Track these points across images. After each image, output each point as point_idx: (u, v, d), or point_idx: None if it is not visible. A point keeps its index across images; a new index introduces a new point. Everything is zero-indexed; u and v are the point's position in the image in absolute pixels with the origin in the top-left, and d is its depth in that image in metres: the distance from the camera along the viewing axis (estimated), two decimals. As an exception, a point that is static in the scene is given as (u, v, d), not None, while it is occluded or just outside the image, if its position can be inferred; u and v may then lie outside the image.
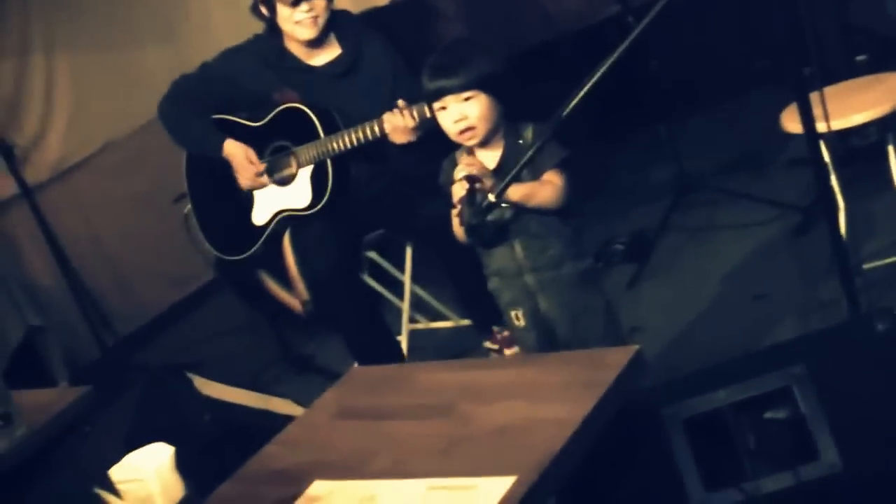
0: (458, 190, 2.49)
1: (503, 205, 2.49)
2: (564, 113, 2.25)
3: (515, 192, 2.46)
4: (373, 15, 4.42)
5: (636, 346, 1.70)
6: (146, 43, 5.35)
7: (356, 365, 3.84)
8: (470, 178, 2.44)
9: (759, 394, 2.02)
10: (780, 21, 2.31)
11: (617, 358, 1.68)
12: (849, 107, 2.94)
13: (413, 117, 3.28)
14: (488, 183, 2.44)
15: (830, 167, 3.02)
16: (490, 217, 2.46)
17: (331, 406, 2.06)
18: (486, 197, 2.39)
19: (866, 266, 3.23)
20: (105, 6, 5.18)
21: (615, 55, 2.23)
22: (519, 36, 3.96)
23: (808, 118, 2.32)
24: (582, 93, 2.22)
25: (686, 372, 2.26)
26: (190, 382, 3.40)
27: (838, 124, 2.84)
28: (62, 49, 5.06)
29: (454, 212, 2.56)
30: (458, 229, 2.62)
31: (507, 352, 3.44)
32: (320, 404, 2.08)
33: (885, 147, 3.12)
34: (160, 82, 5.12)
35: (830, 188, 2.84)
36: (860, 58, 4.68)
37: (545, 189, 2.52)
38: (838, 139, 3.13)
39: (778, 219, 3.87)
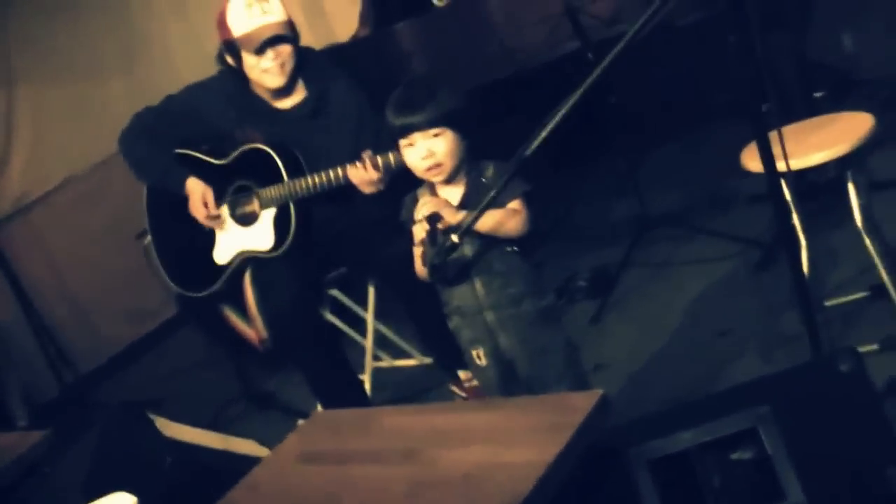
0: (420, 230, 2.49)
1: (465, 241, 2.48)
2: (527, 152, 2.25)
3: (481, 223, 2.44)
4: (335, 51, 4.43)
5: (600, 391, 1.70)
6: (108, 76, 5.33)
7: (319, 408, 3.83)
8: (431, 218, 2.44)
9: (725, 434, 2.02)
10: (738, 58, 2.32)
11: (582, 402, 1.68)
12: (808, 146, 2.96)
13: (378, 169, 3.27)
14: (451, 218, 2.44)
15: (791, 205, 3.05)
16: (452, 256, 2.45)
17: (295, 450, 2.04)
18: (448, 237, 2.38)
19: (828, 303, 3.26)
20: (66, 38, 5.16)
21: (576, 95, 2.24)
22: (479, 71, 3.98)
23: (768, 158, 2.33)
24: (544, 132, 2.22)
25: (651, 410, 2.26)
26: (151, 423, 3.36)
27: (798, 164, 2.87)
28: (23, 82, 5.05)
29: (416, 251, 2.57)
30: (419, 268, 2.62)
31: (476, 403, 3.44)
32: (284, 448, 2.07)
33: (844, 184, 3.15)
34: (121, 116, 5.07)
35: (792, 226, 2.86)
36: (818, 94, 4.75)
37: (511, 219, 2.50)
38: (797, 176, 3.15)
39: (739, 254, 3.89)
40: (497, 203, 2.50)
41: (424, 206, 2.47)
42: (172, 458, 2.78)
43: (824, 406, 2.02)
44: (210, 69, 3.76)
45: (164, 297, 5.01)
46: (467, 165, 2.61)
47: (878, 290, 3.17)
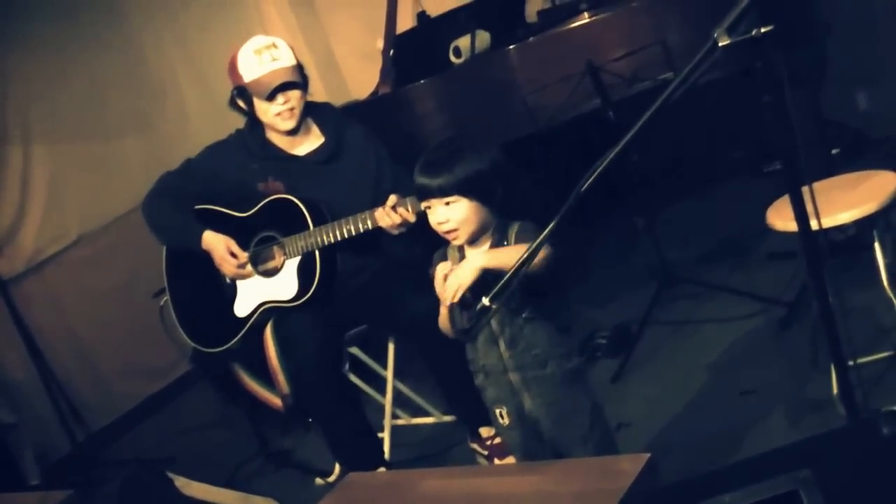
0: (444, 289, 2.46)
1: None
2: (553, 226, 2.24)
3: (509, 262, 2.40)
4: (353, 108, 4.45)
5: (647, 455, 1.67)
6: (123, 134, 5.36)
7: (337, 466, 3.81)
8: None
9: (766, 498, 1.98)
10: (772, 117, 2.31)
11: (629, 466, 1.65)
12: (835, 204, 2.96)
13: (407, 210, 3.28)
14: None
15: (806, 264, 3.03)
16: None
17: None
18: (479, 300, 2.36)
19: (851, 363, 3.23)
20: (83, 97, 5.19)
21: (606, 161, 2.23)
22: (500, 129, 3.98)
23: (802, 216, 2.32)
24: (570, 201, 2.21)
25: (692, 474, 2.22)
26: (170, 482, 3.34)
27: (826, 222, 2.85)
28: (39, 139, 5.06)
29: (442, 309, 2.55)
30: (445, 325, 2.60)
31: (498, 461, 3.41)
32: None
33: (867, 242, 3.14)
34: (136, 174, 5.16)
35: (823, 286, 2.83)
36: (833, 151, 4.77)
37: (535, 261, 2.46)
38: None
39: (760, 313, 3.86)
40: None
41: (450, 288, 2.43)
42: (196, 519, 2.74)
43: (866, 469, 1.99)
44: (225, 124, 3.79)
45: (177, 355, 5.00)
46: (495, 226, 2.59)
47: (904, 351, 3.15)
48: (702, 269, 4.38)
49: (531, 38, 4.13)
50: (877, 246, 3.02)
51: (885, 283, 3.03)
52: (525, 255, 2.30)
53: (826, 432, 2.05)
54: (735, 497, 2.03)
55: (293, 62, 3.53)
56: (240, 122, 3.71)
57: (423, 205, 2.58)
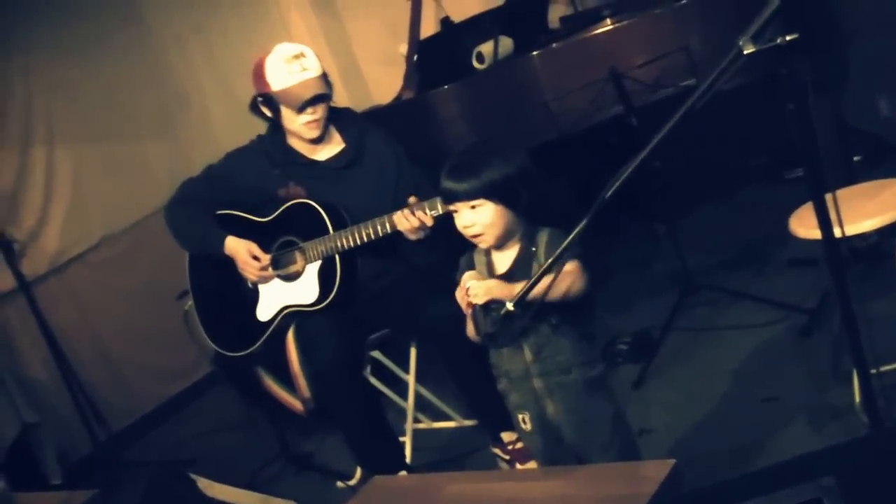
0: (475, 294, 2.48)
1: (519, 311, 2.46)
2: (575, 233, 2.25)
3: (537, 289, 2.42)
4: (376, 113, 4.47)
5: (672, 461, 1.68)
6: (146, 137, 5.40)
7: (358, 470, 3.82)
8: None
9: (789, 506, 1.99)
10: (796, 125, 2.31)
11: (654, 472, 1.66)
12: (859, 212, 2.96)
13: (425, 214, 3.29)
14: (505, 297, 2.42)
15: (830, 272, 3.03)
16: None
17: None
18: (503, 305, 2.38)
19: (873, 371, 3.23)
20: (106, 99, 5.23)
21: (630, 168, 2.24)
22: (523, 134, 3.99)
23: (826, 224, 2.32)
24: (594, 208, 2.23)
25: (715, 480, 2.23)
26: (193, 484, 3.36)
27: (850, 230, 2.86)
28: (62, 141, 5.09)
29: (467, 313, 2.56)
30: (470, 331, 2.62)
31: (520, 466, 3.42)
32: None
33: (889, 250, 3.14)
34: (158, 176, 5.21)
35: (847, 294, 2.83)
36: (856, 158, 4.77)
37: (564, 280, 2.44)
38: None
39: (782, 320, 3.86)
40: (551, 273, 2.50)
41: (478, 292, 2.46)
42: (218, 520, 2.76)
43: (890, 478, 1.99)
44: (246, 128, 3.80)
45: (198, 357, 5.03)
46: (522, 231, 2.61)
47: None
48: (723, 275, 4.37)
49: (556, 45, 4.14)
50: (899, 254, 3.02)
51: (909, 291, 3.03)
52: (547, 265, 2.32)
53: (850, 440, 2.05)
54: (759, 503, 2.04)
55: (321, 72, 3.55)
56: (262, 126, 3.73)
57: (451, 208, 2.60)
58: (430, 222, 3.30)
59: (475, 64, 4.52)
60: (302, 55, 3.52)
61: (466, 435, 3.94)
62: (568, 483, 1.82)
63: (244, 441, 4.70)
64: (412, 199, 3.35)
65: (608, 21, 4.34)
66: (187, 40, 5.61)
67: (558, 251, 2.32)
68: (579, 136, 4.09)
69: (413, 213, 3.29)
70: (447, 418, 4.09)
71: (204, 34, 5.67)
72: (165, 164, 5.32)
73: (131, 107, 5.33)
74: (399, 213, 3.32)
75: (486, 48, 4.54)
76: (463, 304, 2.53)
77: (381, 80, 5.80)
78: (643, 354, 3.97)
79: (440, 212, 3.26)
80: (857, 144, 4.91)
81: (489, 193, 2.52)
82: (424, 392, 4.03)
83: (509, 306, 2.35)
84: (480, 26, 4.63)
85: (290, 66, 3.50)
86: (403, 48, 4.72)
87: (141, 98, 5.37)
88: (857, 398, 3.00)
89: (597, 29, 4.07)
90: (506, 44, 4.59)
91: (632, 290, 4.70)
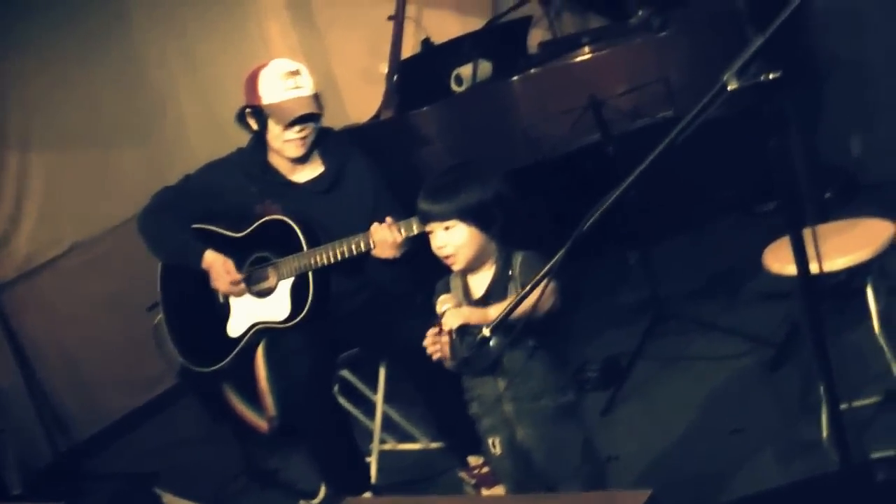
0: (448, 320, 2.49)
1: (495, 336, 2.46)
2: (555, 262, 2.27)
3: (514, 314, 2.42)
4: (357, 130, 4.47)
5: (649, 491, 1.69)
6: (121, 144, 5.36)
7: (323, 488, 3.80)
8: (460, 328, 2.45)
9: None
10: (777, 161, 2.34)
11: (631, 502, 1.66)
12: (831, 250, 2.98)
13: (400, 232, 3.29)
14: (481, 322, 2.43)
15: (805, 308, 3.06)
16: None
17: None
18: (479, 330, 2.39)
19: (844, 406, 3.26)
20: (82, 104, 5.19)
21: (608, 201, 2.27)
22: (500, 158, 4.01)
23: (802, 260, 2.35)
24: (571, 240, 2.24)
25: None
26: (158, 498, 3.34)
27: (824, 267, 2.88)
28: (36, 146, 5.06)
29: (443, 339, 2.56)
30: (446, 356, 2.62)
31: (485, 491, 3.42)
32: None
33: (857, 287, 3.17)
34: (132, 185, 5.18)
35: (820, 330, 2.85)
36: (827, 195, 4.82)
37: (541, 305, 2.42)
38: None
39: (751, 352, 3.89)
40: (523, 285, 2.51)
41: (452, 318, 2.46)
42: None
43: (859, 515, 2.02)
44: (223, 139, 3.79)
45: (164, 369, 4.99)
46: (497, 254, 2.62)
47: (894, 396, 3.18)
48: (693, 305, 4.40)
49: (535, 70, 4.16)
50: (870, 292, 3.05)
51: (877, 329, 3.06)
52: (523, 293, 2.33)
53: (821, 475, 2.06)
54: (729, 537, 2.06)
55: (314, 91, 3.55)
56: (238, 137, 3.72)
57: (426, 229, 2.63)
58: (399, 239, 3.30)
59: (453, 86, 4.54)
60: (298, 73, 3.52)
61: (432, 457, 3.94)
62: (542, 511, 1.82)
63: (208, 455, 4.66)
64: (389, 219, 3.34)
65: (586, 49, 4.39)
66: (166, 49, 5.58)
67: (534, 279, 2.32)
68: (556, 161, 4.11)
69: (388, 227, 3.30)
70: (413, 440, 4.08)
71: (184, 44, 5.65)
72: (139, 173, 5.29)
73: (107, 113, 5.30)
74: (375, 224, 3.32)
75: (465, 71, 4.56)
76: (432, 341, 2.53)
77: (359, 98, 5.78)
78: (612, 382, 3.99)
79: (414, 232, 3.27)
80: (828, 181, 4.97)
81: (463, 215, 2.55)
82: (391, 413, 4.02)
83: (485, 332, 2.36)
84: (461, 49, 4.65)
85: (284, 82, 3.49)
86: (384, 67, 4.73)
87: (117, 106, 5.34)
88: (825, 432, 3.03)
89: (577, 56, 4.10)
90: (485, 67, 4.62)
91: (601, 318, 4.72)
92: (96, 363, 5.20)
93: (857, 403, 3.27)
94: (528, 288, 2.33)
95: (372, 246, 3.35)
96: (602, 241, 5.15)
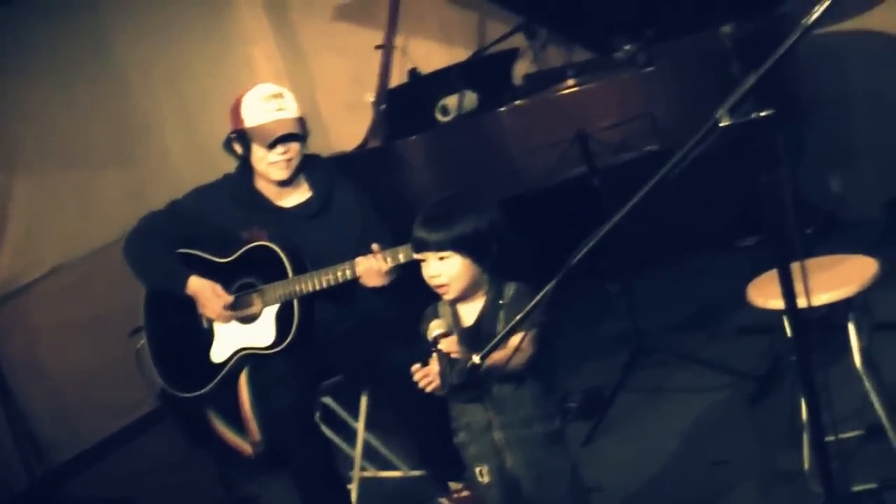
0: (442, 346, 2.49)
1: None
2: (545, 294, 2.29)
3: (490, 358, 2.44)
4: (342, 159, 4.49)
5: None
6: (104, 166, 5.37)
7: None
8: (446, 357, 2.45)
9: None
10: (769, 197, 2.37)
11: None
12: (816, 285, 3.01)
13: (386, 261, 3.31)
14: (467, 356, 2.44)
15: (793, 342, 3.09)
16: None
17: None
18: (469, 358, 2.40)
19: (831, 438, 3.28)
20: (66, 127, 5.20)
21: (597, 236, 2.30)
22: (488, 189, 4.02)
23: (789, 294, 2.38)
24: (560, 275, 2.27)
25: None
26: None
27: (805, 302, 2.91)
28: (20, 167, 5.04)
29: (432, 367, 2.57)
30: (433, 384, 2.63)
31: (465, 516, 3.42)
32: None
33: (837, 323, 3.20)
34: (115, 207, 5.19)
35: (806, 364, 2.88)
36: (808, 231, 4.88)
37: (517, 356, 2.47)
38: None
39: (732, 385, 3.92)
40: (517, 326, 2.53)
41: (444, 344, 2.46)
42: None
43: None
44: (206, 162, 3.79)
45: (142, 393, 4.96)
46: (488, 284, 2.64)
47: (875, 430, 3.21)
48: (673, 338, 4.43)
49: (523, 101, 4.20)
50: (852, 328, 3.08)
51: (859, 364, 3.09)
52: (510, 326, 2.34)
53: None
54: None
55: (297, 114, 3.58)
56: (222, 159, 3.72)
57: (419, 256, 2.64)
58: (385, 268, 3.31)
59: (439, 117, 4.57)
60: (280, 95, 3.55)
61: (412, 485, 3.93)
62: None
63: (184, 482, 4.63)
64: (375, 246, 3.35)
65: (570, 81, 4.43)
66: (151, 73, 5.60)
67: (524, 311, 2.33)
68: (540, 193, 4.14)
69: (375, 256, 3.31)
70: (393, 467, 4.07)
71: (168, 67, 5.67)
72: (122, 196, 5.30)
73: (91, 135, 5.30)
74: (360, 256, 3.34)
75: (451, 101, 4.59)
76: (423, 374, 2.53)
77: (341, 125, 5.82)
78: (593, 413, 4.00)
79: (400, 261, 3.28)
80: (809, 218, 5.03)
81: (458, 246, 2.57)
82: (371, 439, 4.01)
83: (476, 359, 2.37)
84: (446, 79, 4.68)
85: (266, 104, 3.52)
86: (369, 96, 4.76)
87: (102, 127, 5.35)
88: (807, 464, 3.06)
89: (564, 89, 4.14)
90: (470, 98, 4.65)
91: (582, 349, 4.74)
92: (74, 386, 5.16)
93: (840, 436, 3.30)
94: (517, 319, 2.35)
95: (358, 275, 3.36)
96: (583, 272, 5.21)
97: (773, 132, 2.28)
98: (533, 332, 2.54)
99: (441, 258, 2.58)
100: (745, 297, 3.17)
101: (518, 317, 2.36)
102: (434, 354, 2.47)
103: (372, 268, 3.32)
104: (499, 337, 2.36)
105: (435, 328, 2.51)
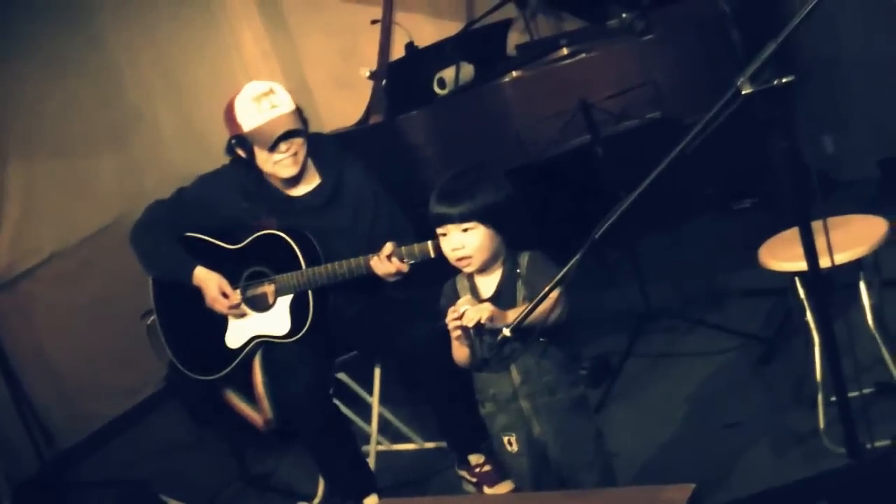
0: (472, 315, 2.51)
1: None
2: (571, 267, 2.32)
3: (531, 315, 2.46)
4: (342, 136, 4.48)
5: (692, 485, 1.73)
6: (98, 153, 5.33)
7: (321, 488, 3.81)
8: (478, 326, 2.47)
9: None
10: (785, 162, 2.41)
11: (676, 495, 1.71)
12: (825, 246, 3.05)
13: (401, 262, 3.28)
14: (501, 322, 2.47)
15: (805, 302, 3.14)
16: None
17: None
18: (498, 331, 2.43)
19: (833, 398, 3.34)
20: (59, 114, 5.15)
21: (621, 209, 2.33)
22: (492, 160, 4.04)
23: (811, 254, 2.42)
24: (584, 249, 2.30)
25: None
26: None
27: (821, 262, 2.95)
28: (14, 155, 5.01)
29: (455, 340, 2.60)
30: (459, 357, 2.67)
31: (487, 489, 3.45)
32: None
33: (844, 282, 3.24)
34: (110, 193, 5.18)
35: (829, 324, 2.92)
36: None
37: (552, 307, 2.48)
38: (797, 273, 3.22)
39: (739, 348, 3.96)
40: (531, 291, 2.57)
41: (477, 313, 2.47)
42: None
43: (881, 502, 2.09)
44: (197, 145, 3.77)
45: (148, 374, 4.98)
46: (504, 256, 2.67)
47: (885, 387, 3.26)
48: (676, 303, 4.47)
49: (526, 72, 4.22)
50: (863, 286, 3.13)
51: (871, 322, 3.13)
52: (542, 294, 2.38)
53: (842, 466, 2.13)
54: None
55: (292, 107, 3.52)
56: (214, 141, 3.71)
57: (440, 231, 2.65)
58: (405, 269, 3.30)
59: (437, 89, 4.57)
60: (271, 92, 3.49)
61: (427, 457, 3.97)
62: (586, 506, 1.86)
63: (196, 461, 4.65)
64: (388, 246, 3.30)
65: (564, 49, 4.45)
66: (141, 59, 5.56)
67: (552, 283, 2.38)
68: (543, 163, 4.17)
69: (389, 261, 3.29)
70: (406, 440, 4.10)
71: (157, 52, 5.63)
72: (117, 181, 5.28)
73: (84, 122, 5.26)
74: (375, 258, 3.31)
75: (448, 74, 4.60)
76: (453, 329, 2.56)
77: (332, 103, 5.81)
78: (602, 380, 4.04)
79: (417, 259, 3.27)
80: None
81: (482, 217, 2.59)
82: (385, 413, 4.04)
83: (506, 332, 2.40)
84: (442, 52, 4.69)
85: (259, 105, 3.46)
86: (364, 71, 4.74)
87: (94, 114, 5.31)
88: (822, 423, 3.11)
89: (566, 59, 4.16)
90: (467, 70, 4.65)
91: (586, 318, 4.75)
92: (79, 371, 5.15)
93: (851, 394, 3.35)
94: (547, 289, 2.39)
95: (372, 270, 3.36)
96: (584, 240, 5.23)
97: (782, 98, 2.31)
98: (558, 291, 2.55)
99: (465, 230, 2.60)
100: (745, 260, 3.20)
101: (546, 288, 2.39)
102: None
103: (390, 272, 3.32)
104: (528, 307, 2.40)
105: (462, 304, 2.53)
